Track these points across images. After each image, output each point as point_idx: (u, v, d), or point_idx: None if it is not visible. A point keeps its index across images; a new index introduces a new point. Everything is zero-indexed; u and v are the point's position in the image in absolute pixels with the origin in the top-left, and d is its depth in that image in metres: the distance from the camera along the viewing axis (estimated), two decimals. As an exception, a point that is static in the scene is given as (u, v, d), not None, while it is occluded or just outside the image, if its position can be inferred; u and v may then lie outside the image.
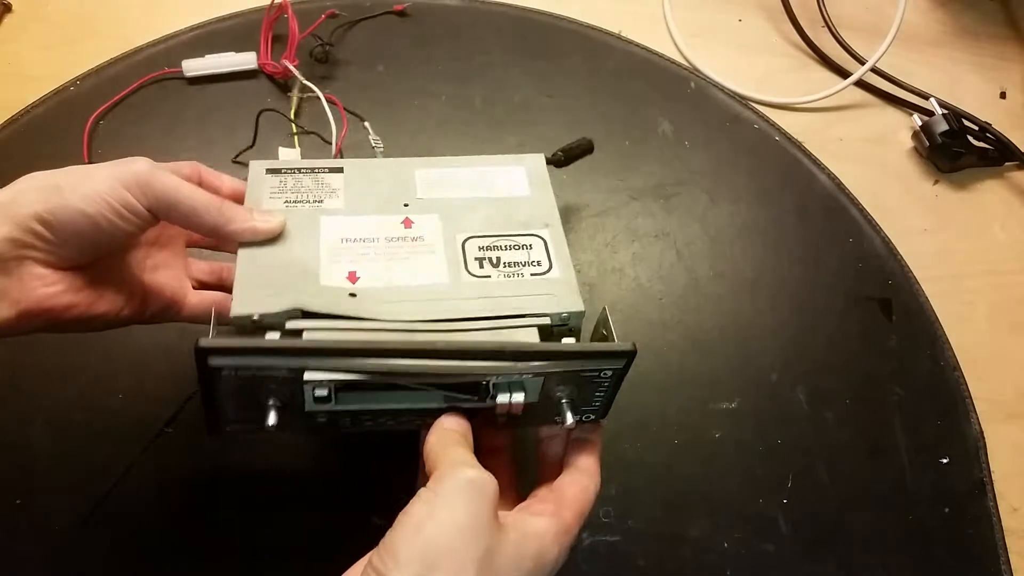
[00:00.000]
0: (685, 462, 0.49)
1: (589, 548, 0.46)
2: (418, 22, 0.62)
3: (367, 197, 0.40)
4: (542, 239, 0.40)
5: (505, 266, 0.38)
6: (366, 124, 0.55)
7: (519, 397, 0.34)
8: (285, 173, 0.41)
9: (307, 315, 0.34)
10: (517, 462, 0.38)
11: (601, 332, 0.37)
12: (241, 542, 0.43)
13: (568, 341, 0.36)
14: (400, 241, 0.38)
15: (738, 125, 0.61)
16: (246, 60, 0.58)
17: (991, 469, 0.51)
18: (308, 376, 0.31)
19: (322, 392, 0.32)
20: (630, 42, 0.64)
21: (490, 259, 0.38)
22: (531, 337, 0.35)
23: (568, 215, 0.56)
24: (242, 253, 0.36)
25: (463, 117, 0.59)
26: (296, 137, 0.56)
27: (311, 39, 0.58)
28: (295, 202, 0.39)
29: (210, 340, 0.30)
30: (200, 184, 0.39)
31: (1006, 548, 0.48)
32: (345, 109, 0.56)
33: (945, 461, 0.50)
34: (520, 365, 0.33)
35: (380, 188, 0.41)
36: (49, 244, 0.33)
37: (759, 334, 0.53)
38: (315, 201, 0.40)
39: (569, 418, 0.34)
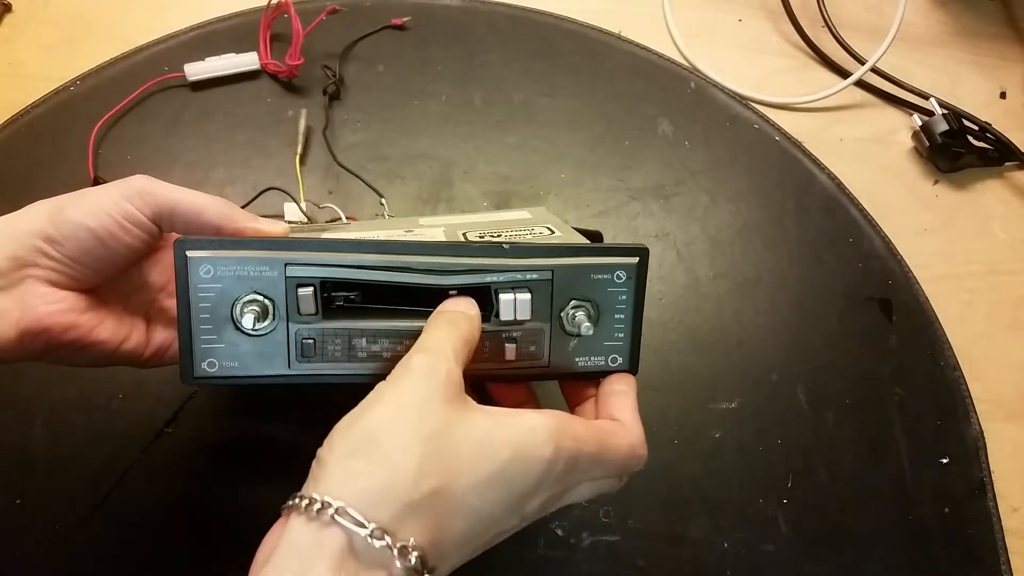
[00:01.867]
0: (685, 462, 0.49)
1: (589, 548, 0.46)
2: (418, 22, 0.62)
3: (372, 231, 0.40)
4: (549, 229, 0.38)
5: (507, 235, 0.36)
6: (383, 202, 0.54)
7: (525, 297, 0.31)
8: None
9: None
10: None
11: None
12: (241, 542, 0.43)
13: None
14: (403, 236, 0.38)
15: (738, 125, 0.61)
16: (248, 61, 0.58)
17: (991, 469, 0.51)
18: (291, 272, 0.30)
19: (306, 291, 0.31)
20: (630, 42, 0.64)
21: (491, 233, 0.37)
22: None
23: (568, 215, 0.56)
24: None
25: (463, 117, 0.59)
26: (297, 157, 0.55)
27: (314, 43, 0.58)
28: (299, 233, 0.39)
29: (190, 237, 0.31)
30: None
31: (1006, 548, 0.48)
32: (367, 183, 0.55)
33: (945, 461, 0.50)
34: (522, 262, 0.31)
35: (385, 227, 0.42)
36: (53, 261, 0.33)
37: (759, 334, 0.53)
38: (320, 231, 0.40)
39: (588, 328, 0.32)
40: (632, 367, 0.35)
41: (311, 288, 0.31)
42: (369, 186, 0.54)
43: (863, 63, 0.64)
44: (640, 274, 0.33)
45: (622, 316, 0.33)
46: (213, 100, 0.57)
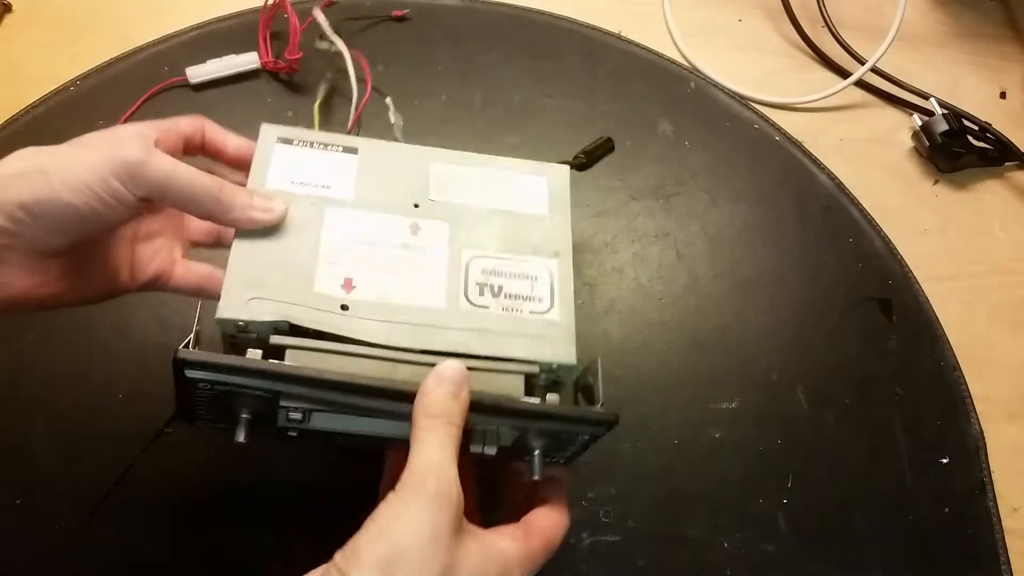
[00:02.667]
0: (685, 462, 0.49)
1: (589, 548, 0.46)
2: (418, 22, 0.62)
3: (378, 189, 0.38)
4: (549, 271, 0.37)
5: (506, 297, 0.36)
6: (388, 100, 0.54)
7: (491, 450, 0.33)
8: (297, 145, 0.38)
9: (294, 328, 0.33)
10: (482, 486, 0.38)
11: (588, 381, 0.35)
12: (241, 542, 0.43)
13: (552, 398, 0.34)
14: (404, 250, 0.36)
15: (738, 125, 0.61)
16: (248, 60, 0.58)
17: (991, 469, 0.51)
18: (284, 402, 0.31)
19: (296, 416, 0.32)
20: (630, 42, 0.64)
21: (491, 287, 0.36)
22: (517, 385, 0.34)
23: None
24: (237, 244, 0.34)
25: (463, 117, 0.59)
26: (317, 104, 0.55)
27: (312, 39, 0.58)
28: (301, 183, 0.37)
29: (189, 353, 0.30)
30: (203, 144, 0.37)
31: (1006, 548, 0.48)
32: (372, 85, 0.55)
33: (945, 461, 0.50)
34: (499, 420, 0.33)
35: (393, 179, 0.38)
36: (33, 232, 0.31)
37: (759, 334, 0.53)
38: (323, 186, 0.37)
39: (537, 473, 0.34)
40: (569, 463, 0.37)
41: (301, 413, 0.32)
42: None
43: (863, 63, 0.64)
44: (604, 434, 0.35)
45: (574, 448, 0.35)
46: (214, 101, 0.57)
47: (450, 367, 0.31)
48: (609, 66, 0.63)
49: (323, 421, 0.32)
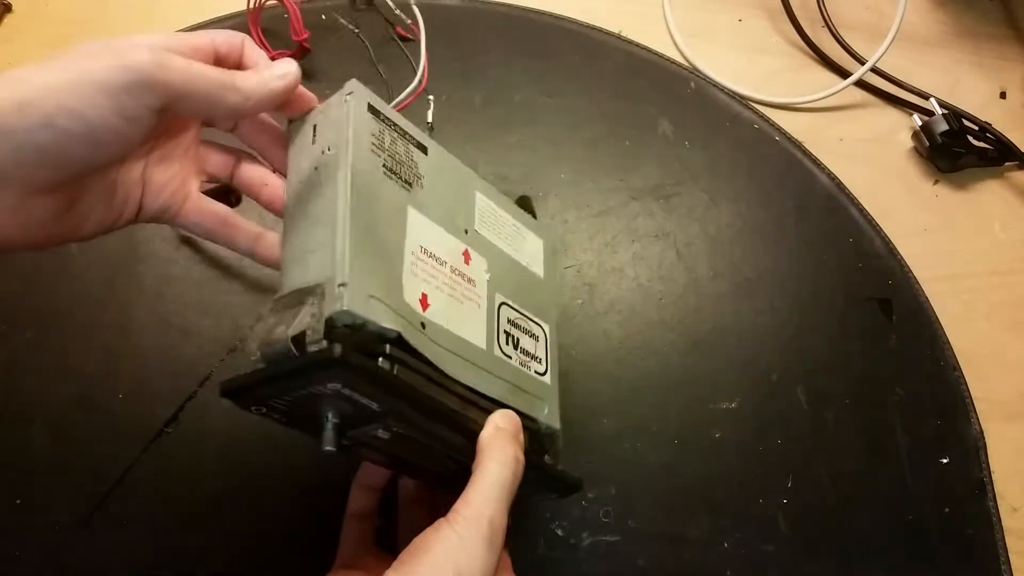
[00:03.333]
0: (685, 462, 0.49)
1: (589, 548, 0.46)
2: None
3: (440, 201, 0.36)
4: (545, 334, 0.39)
5: (522, 352, 0.37)
6: (430, 98, 0.53)
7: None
8: (384, 123, 0.34)
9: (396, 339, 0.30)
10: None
11: (555, 443, 0.38)
12: (241, 542, 0.43)
13: (548, 460, 0.37)
14: (460, 279, 0.35)
15: (738, 125, 0.61)
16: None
17: (991, 469, 0.51)
18: (391, 421, 0.30)
19: (385, 435, 0.31)
20: (630, 42, 0.64)
21: (514, 338, 0.37)
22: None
23: (568, 215, 0.56)
24: (344, 211, 0.30)
25: (463, 117, 0.59)
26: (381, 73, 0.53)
27: (313, 17, 0.58)
28: (391, 171, 0.33)
29: (353, 356, 0.27)
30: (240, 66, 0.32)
31: (1006, 548, 0.48)
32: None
33: (945, 461, 0.50)
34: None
35: (451, 197, 0.37)
36: (22, 169, 0.26)
37: (759, 334, 0.53)
38: (406, 182, 0.34)
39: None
40: None
41: (390, 433, 0.31)
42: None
43: (863, 63, 0.64)
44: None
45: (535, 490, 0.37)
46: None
47: (510, 415, 0.33)
48: (609, 66, 0.63)
49: (395, 443, 0.32)
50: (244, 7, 0.61)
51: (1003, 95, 0.67)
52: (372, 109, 0.33)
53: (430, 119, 0.52)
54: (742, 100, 0.63)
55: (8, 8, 0.61)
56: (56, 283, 0.49)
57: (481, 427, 0.32)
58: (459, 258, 0.35)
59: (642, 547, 0.46)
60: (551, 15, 0.64)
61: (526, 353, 0.37)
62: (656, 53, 0.64)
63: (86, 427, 0.45)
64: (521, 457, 0.32)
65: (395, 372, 0.29)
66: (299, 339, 0.27)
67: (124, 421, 0.46)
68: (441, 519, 0.29)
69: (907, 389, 0.52)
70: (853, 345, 0.54)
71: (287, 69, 0.31)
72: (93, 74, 0.26)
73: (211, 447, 0.46)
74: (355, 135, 0.32)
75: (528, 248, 0.41)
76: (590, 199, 0.57)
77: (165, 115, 0.29)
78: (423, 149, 0.35)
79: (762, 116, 0.62)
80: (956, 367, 0.54)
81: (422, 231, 0.33)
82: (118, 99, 0.26)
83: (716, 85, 0.63)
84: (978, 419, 0.52)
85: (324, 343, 0.27)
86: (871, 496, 0.49)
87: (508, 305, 0.37)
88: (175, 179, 0.33)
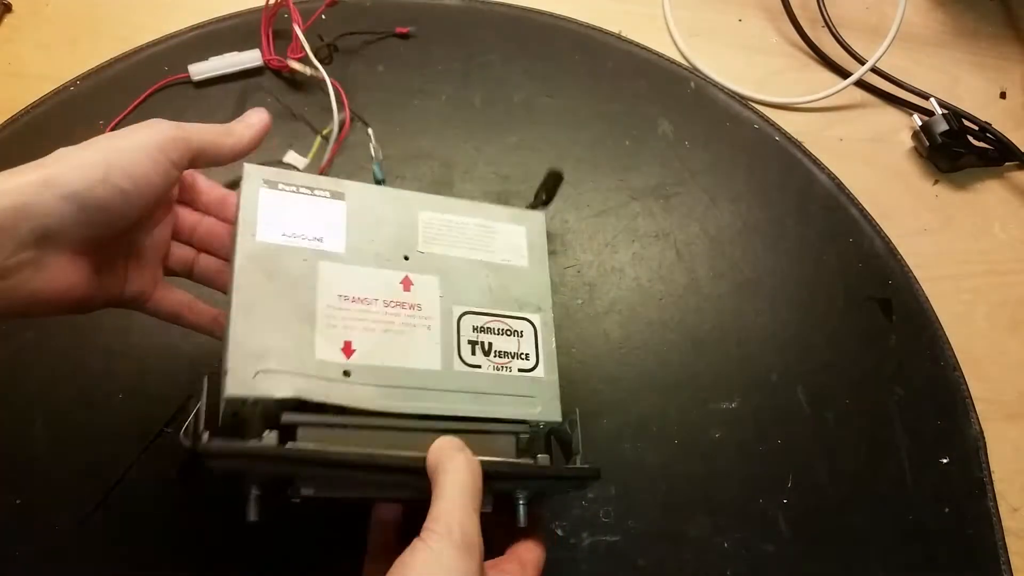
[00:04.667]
0: (685, 462, 0.49)
1: (589, 548, 0.46)
2: (418, 22, 0.62)
3: (368, 241, 0.37)
4: (533, 326, 0.38)
5: (496, 355, 0.37)
6: (369, 131, 0.53)
7: (487, 507, 0.34)
8: (283, 190, 0.36)
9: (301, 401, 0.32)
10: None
11: (565, 430, 0.37)
12: (241, 542, 0.43)
13: (543, 458, 0.36)
14: (398, 309, 0.36)
15: (738, 125, 0.61)
16: (251, 58, 0.58)
17: (991, 469, 0.51)
18: (300, 484, 0.32)
19: (308, 492, 0.32)
20: (630, 42, 0.64)
21: (482, 344, 0.37)
22: (509, 446, 0.36)
23: (568, 215, 0.56)
24: (235, 309, 0.33)
25: (463, 117, 0.59)
26: (317, 144, 0.54)
27: (314, 39, 0.58)
28: (292, 235, 0.35)
29: (213, 445, 0.30)
30: (193, 187, 0.39)
31: (1006, 548, 0.48)
32: (350, 109, 0.56)
33: (945, 461, 0.50)
34: (499, 484, 0.34)
35: (382, 230, 0.38)
36: (76, 227, 0.31)
37: (759, 334, 0.53)
38: (314, 238, 0.36)
39: (523, 521, 0.35)
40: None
41: (313, 489, 0.32)
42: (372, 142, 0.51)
43: (863, 63, 0.64)
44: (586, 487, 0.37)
45: (555, 495, 0.38)
46: (216, 98, 0.57)
47: (449, 439, 0.33)
48: (609, 66, 0.63)
49: (329, 491, 0.33)
50: (243, 8, 0.61)
51: (1003, 95, 0.67)
52: (268, 183, 0.36)
53: (373, 152, 0.50)
54: (742, 100, 0.63)
55: (8, 8, 0.61)
56: (56, 283, 0.49)
57: (422, 458, 0.32)
58: (396, 289, 0.36)
59: (642, 547, 0.46)
60: (551, 15, 0.64)
61: (503, 355, 0.37)
62: (656, 53, 0.64)
63: (86, 428, 0.45)
64: (473, 459, 0.32)
65: (290, 441, 0.31)
66: (186, 432, 0.31)
67: (124, 421, 0.46)
68: (416, 539, 0.30)
69: (907, 389, 0.52)
70: (853, 345, 0.54)
71: (261, 115, 0.38)
72: (133, 140, 0.33)
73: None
74: (243, 222, 0.35)
75: (502, 243, 0.40)
76: (590, 199, 0.57)
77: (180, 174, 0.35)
78: (339, 196, 0.37)
79: (762, 116, 0.62)
80: (956, 367, 0.54)
81: (339, 280, 0.35)
82: (154, 157, 0.32)
83: (716, 85, 0.63)
84: (978, 419, 0.52)
85: (206, 435, 0.30)
86: (871, 496, 0.49)
87: (473, 313, 0.37)
88: (148, 267, 0.38)
